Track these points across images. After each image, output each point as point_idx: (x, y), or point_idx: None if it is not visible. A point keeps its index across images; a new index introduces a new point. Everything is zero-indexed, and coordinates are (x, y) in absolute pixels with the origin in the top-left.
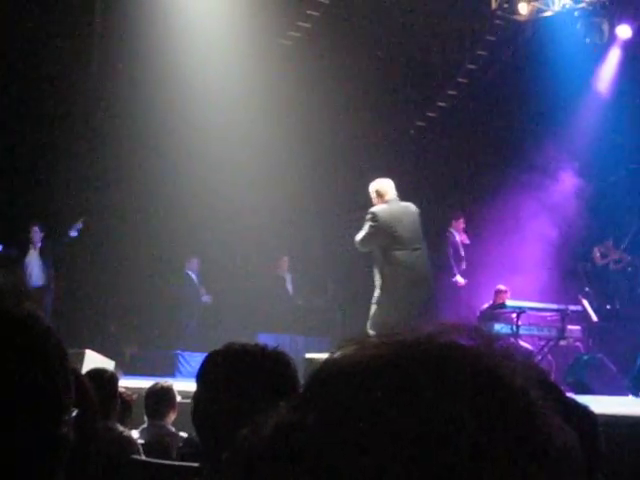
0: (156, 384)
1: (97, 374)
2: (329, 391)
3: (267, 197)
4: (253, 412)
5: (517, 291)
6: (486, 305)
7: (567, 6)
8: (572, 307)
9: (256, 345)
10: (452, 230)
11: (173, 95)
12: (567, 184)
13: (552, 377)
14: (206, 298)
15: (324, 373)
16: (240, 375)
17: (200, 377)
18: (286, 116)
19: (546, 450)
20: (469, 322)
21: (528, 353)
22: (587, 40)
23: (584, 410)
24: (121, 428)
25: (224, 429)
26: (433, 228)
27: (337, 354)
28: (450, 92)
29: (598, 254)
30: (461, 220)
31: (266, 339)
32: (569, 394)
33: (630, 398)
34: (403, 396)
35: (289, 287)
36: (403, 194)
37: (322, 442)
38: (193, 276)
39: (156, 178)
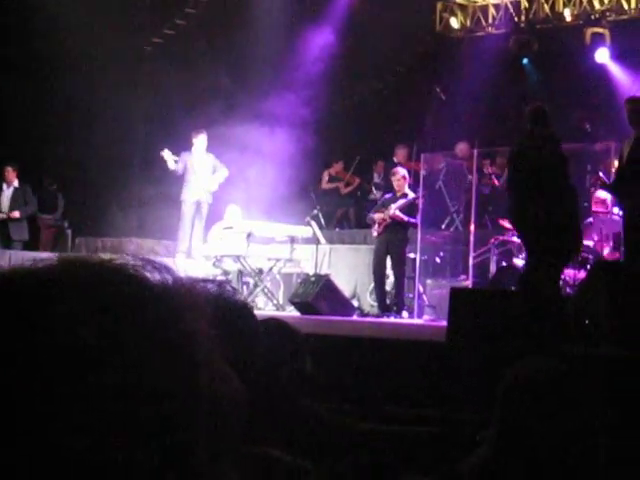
0: None
1: None
2: None
3: None
4: None
5: (247, 210)
6: (218, 224)
7: None
8: (300, 230)
9: None
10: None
11: None
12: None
13: (273, 296)
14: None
15: None
16: None
17: None
18: None
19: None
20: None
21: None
22: None
23: (283, 329)
24: None
25: None
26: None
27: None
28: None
29: (327, 177)
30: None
31: None
32: (293, 314)
33: (355, 318)
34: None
35: None
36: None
37: None
38: None
39: None
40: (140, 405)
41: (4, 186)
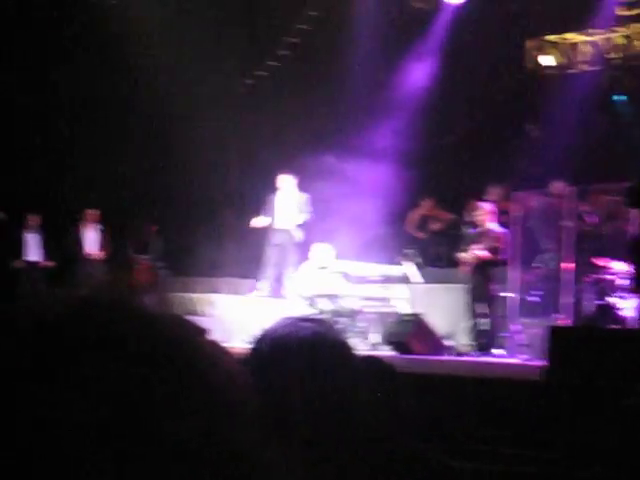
0: None
1: None
2: None
3: None
4: None
5: (342, 251)
6: (308, 263)
7: None
8: (394, 269)
9: None
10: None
11: None
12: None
13: (368, 335)
14: None
15: None
16: None
17: None
18: None
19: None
20: None
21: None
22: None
23: (382, 368)
24: None
25: None
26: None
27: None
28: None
29: (416, 217)
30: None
31: None
32: (387, 353)
33: (451, 357)
34: None
35: None
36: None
37: None
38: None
39: None
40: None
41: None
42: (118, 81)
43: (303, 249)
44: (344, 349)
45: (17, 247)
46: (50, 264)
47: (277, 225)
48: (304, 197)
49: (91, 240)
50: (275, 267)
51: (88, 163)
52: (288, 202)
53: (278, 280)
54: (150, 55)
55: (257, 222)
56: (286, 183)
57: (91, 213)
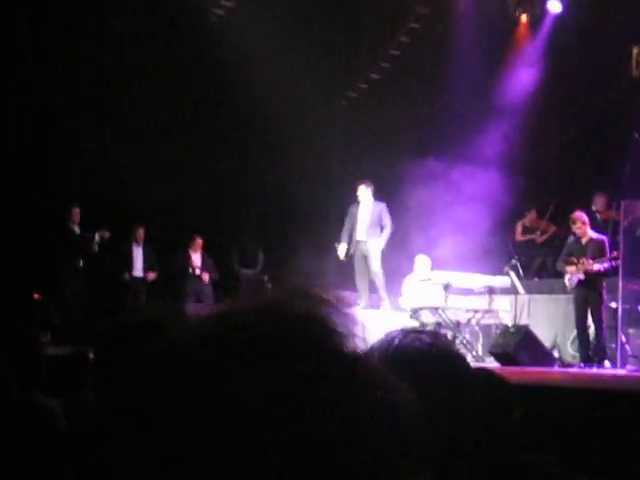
0: None
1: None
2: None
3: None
4: None
5: (445, 261)
6: (411, 275)
7: None
8: (499, 280)
9: None
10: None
11: None
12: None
13: (473, 347)
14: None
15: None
16: None
17: None
18: None
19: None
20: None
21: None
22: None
23: (494, 380)
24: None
25: None
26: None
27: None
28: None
29: (520, 229)
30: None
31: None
32: (492, 365)
33: (557, 369)
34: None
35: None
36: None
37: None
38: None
39: None
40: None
41: (134, 245)
42: (220, 95)
43: (407, 260)
44: (461, 361)
45: (126, 261)
46: (153, 276)
47: (358, 237)
48: (382, 206)
49: (197, 260)
50: (362, 279)
51: (192, 178)
52: (366, 212)
53: (373, 292)
54: (253, 68)
55: (340, 251)
56: (363, 193)
57: (198, 242)
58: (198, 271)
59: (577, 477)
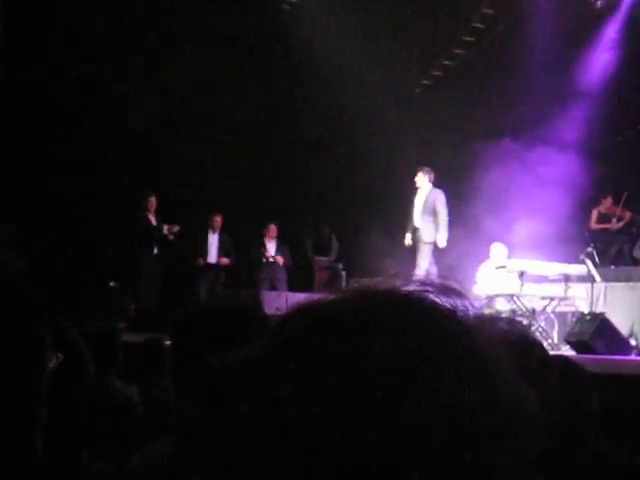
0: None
1: None
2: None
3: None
4: None
5: (519, 247)
6: (486, 263)
7: None
8: (575, 268)
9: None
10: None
11: None
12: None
13: (548, 335)
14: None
15: (293, 314)
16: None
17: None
18: None
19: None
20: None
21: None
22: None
23: (571, 368)
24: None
25: None
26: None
27: (314, 298)
28: (456, 51)
29: (595, 217)
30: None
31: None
32: (568, 353)
33: (635, 357)
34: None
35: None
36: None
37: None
38: None
39: None
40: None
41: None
42: (293, 87)
43: (480, 246)
44: (535, 348)
45: (201, 247)
46: (226, 261)
47: (415, 224)
48: (436, 193)
49: (272, 248)
50: (418, 268)
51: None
52: (421, 200)
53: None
54: (326, 58)
55: (406, 239)
56: (421, 180)
57: (272, 228)
58: (272, 259)
59: None
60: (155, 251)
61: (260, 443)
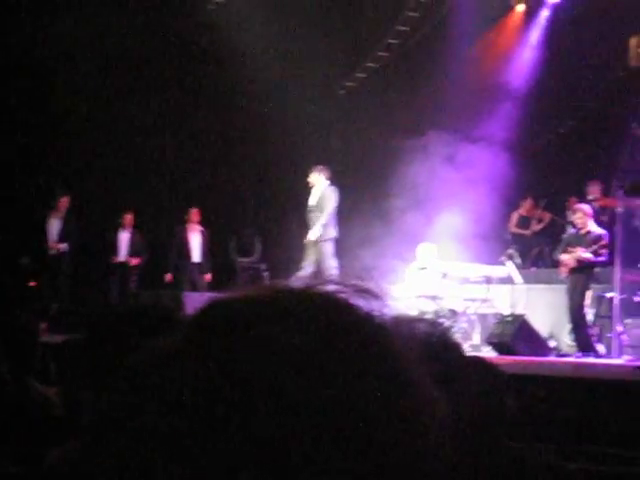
0: None
1: None
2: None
3: None
4: None
5: (441, 246)
6: (413, 264)
7: None
8: (496, 270)
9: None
10: None
11: None
12: (492, 148)
13: (469, 336)
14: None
15: (205, 309)
16: None
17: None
18: None
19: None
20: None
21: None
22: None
23: (488, 369)
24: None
25: None
26: None
27: (222, 296)
28: (380, 53)
29: (515, 219)
30: None
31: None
32: (489, 354)
33: (554, 358)
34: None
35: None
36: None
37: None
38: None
39: None
40: (349, 431)
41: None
42: (216, 86)
43: (404, 245)
44: (456, 349)
45: (111, 246)
46: (136, 262)
47: (311, 223)
48: (331, 192)
49: (195, 243)
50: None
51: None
52: (316, 198)
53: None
54: (250, 58)
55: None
56: (315, 179)
57: (194, 212)
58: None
59: (573, 466)
60: (67, 249)
61: (166, 441)
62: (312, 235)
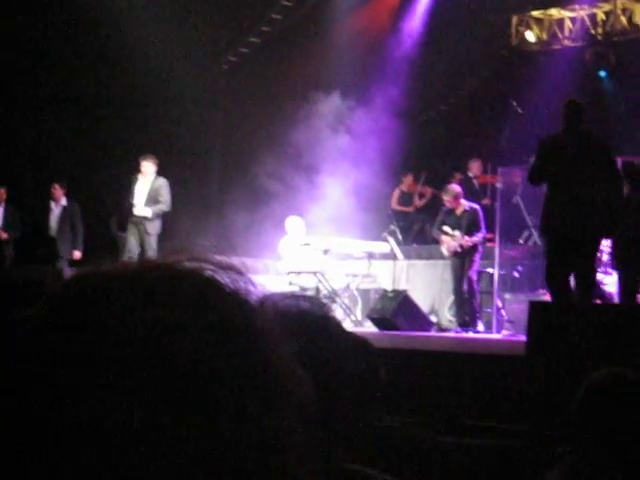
0: None
1: None
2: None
3: None
4: None
5: (321, 224)
6: (285, 238)
7: None
8: (378, 246)
9: None
10: None
11: None
12: (378, 122)
13: (351, 312)
14: None
15: (70, 280)
16: None
17: None
18: None
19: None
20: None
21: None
22: None
23: (360, 343)
24: None
25: None
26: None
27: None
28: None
29: (397, 196)
30: None
31: None
32: (371, 330)
33: (434, 333)
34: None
35: None
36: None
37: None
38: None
39: None
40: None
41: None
42: (95, 60)
43: (278, 223)
44: (337, 326)
45: None
46: (5, 236)
47: (135, 212)
48: (162, 183)
49: (56, 216)
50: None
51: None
52: (146, 188)
53: None
54: (130, 32)
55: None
56: (145, 168)
57: (56, 187)
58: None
59: (449, 439)
60: None
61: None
62: (151, 227)
